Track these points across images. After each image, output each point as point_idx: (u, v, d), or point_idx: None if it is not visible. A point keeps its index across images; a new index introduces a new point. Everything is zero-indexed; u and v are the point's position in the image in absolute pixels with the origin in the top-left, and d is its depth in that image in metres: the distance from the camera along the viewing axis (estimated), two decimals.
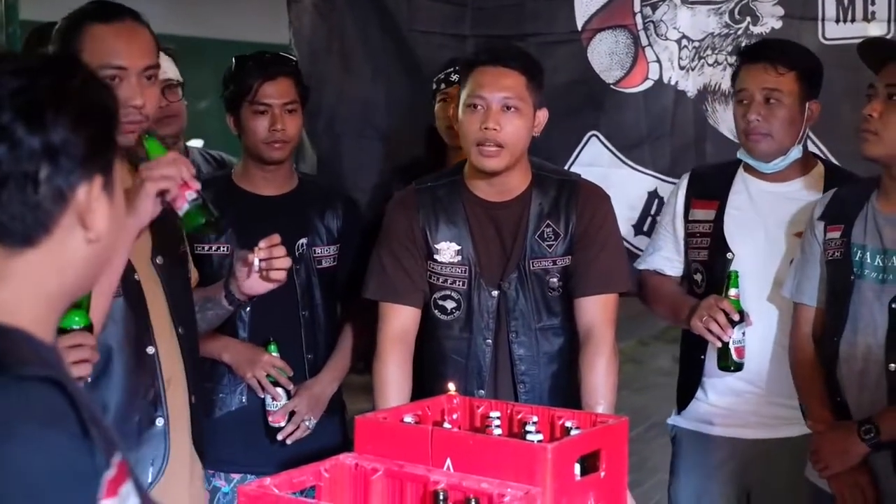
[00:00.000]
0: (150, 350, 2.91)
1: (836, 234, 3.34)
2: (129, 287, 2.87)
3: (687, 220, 3.75)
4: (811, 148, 4.09)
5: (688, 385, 3.77)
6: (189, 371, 3.04)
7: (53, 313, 1.50)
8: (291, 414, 3.63)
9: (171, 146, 4.15)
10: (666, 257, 3.80)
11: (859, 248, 3.28)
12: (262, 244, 3.08)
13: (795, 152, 3.60)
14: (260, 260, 3.07)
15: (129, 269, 2.86)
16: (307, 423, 3.64)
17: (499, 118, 3.28)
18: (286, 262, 3.10)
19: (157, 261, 2.98)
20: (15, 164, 1.41)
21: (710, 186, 3.75)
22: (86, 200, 1.46)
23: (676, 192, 3.82)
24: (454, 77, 4.09)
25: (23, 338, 1.42)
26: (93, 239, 1.48)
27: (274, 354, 3.60)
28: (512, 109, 3.30)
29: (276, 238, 3.10)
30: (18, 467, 1.27)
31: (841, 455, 3.24)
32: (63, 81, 1.46)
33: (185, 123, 4.25)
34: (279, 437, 3.63)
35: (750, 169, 3.68)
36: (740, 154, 3.67)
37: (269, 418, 3.62)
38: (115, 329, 2.84)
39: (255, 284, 3.13)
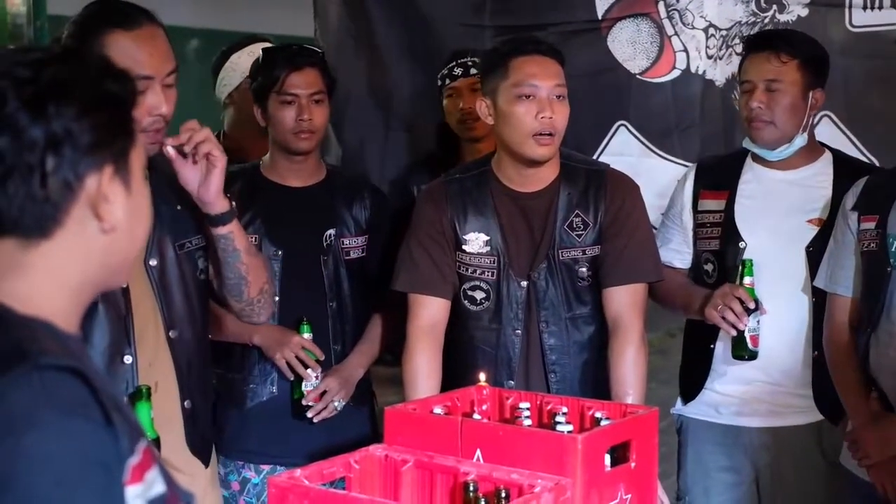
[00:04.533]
0: (128, 359, 2.86)
1: (871, 225, 3.33)
2: (109, 293, 2.79)
3: (696, 212, 3.74)
4: (839, 135, 4.07)
5: (695, 375, 3.76)
6: (183, 376, 2.99)
7: (77, 304, 1.51)
8: (322, 395, 3.62)
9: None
10: (675, 250, 3.78)
11: (894, 238, 3.26)
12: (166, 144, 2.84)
13: (800, 140, 3.60)
14: (173, 147, 2.81)
15: None
16: (335, 405, 3.63)
17: (553, 106, 3.30)
18: (204, 133, 2.82)
19: (151, 263, 2.92)
20: (19, 155, 1.41)
21: (719, 177, 3.75)
22: (96, 190, 1.46)
23: (683, 185, 3.81)
24: (457, 71, 4.09)
25: (44, 327, 1.43)
26: (108, 229, 1.48)
27: (306, 335, 3.59)
28: (561, 97, 3.33)
29: (191, 123, 2.84)
30: (43, 455, 1.28)
31: (882, 445, 3.25)
32: (68, 71, 1.46)
33: None
34: (309, 414, 3.61)
35: (758, 158, 3.68)
36: (745, 143, 3.67)
37: (304, 399, 3.60)
38: (92, 337, 2.79)
39: (199, 179, 2.86)
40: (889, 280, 3.26)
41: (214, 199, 2.91)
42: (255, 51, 4.11)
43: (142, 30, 2.80)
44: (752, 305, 3.43)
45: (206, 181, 2.87)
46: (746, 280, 3.46)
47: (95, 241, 1.48)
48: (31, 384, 1.31)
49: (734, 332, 3.46)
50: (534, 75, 3.32)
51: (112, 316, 2.83)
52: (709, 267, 3.70)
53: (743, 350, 3.47)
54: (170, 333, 2.96)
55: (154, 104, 2.76)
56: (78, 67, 1.48)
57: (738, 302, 3.43)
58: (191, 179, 2.87)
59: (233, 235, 2.99)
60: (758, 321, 3.45)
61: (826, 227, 3.55)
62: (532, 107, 3.30)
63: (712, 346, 3.66)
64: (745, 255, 3.55)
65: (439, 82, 4.18)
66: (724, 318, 3.45)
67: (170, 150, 2.82)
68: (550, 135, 3.31)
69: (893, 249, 3.26)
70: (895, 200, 3.30)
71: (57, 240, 1.45)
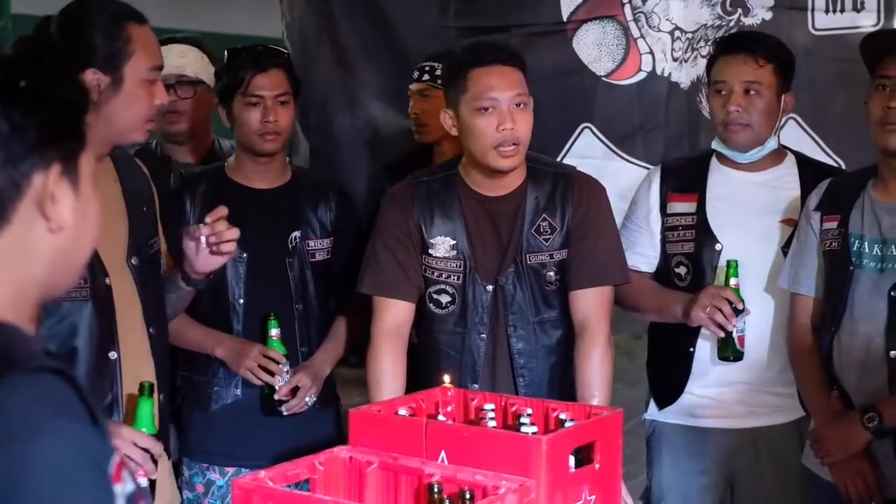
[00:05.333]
0: (113, 355, 2.93)
1: (833, 225, 3.35)
2: (98, 291, 2.90)
3: (665, 214, 3.73)
4: (805, 137, 4.10)
5: (672, 379, 3.75)
6: (159, 370, 3.07)
7: (24, 307, 1.49)
8: (295, 390, 3.61)
9: (184, 143, 4.21)
10: (640, 253, 3.76)
11: (857, 237, 3.29)
12: (207, 219, 3.06)
13: (772, 143, 3.63)
14: (206, 236, 3.04)
15: (101, 273, 2.89)
16: (307, 400, 3.62)
17: (514, 117, 3.27)
18: (234, 233, 3.06)
19: (133, 262, 3.00)
20: None
21: (687, 179, 3.74)
22: (42, 188, 1.45)
23: (649, 188, 3.79)
24: (415, 74, 4.13)
25: (16, 331, 1.43)
26: (55, 229, 1.47)
27: (273, 332, 3.58)
28: (522, 106, 3.30)
29: (222, 211, 3.06)
30: (46, 460, 1.28)
31: (844, 443, 3.25)
32: (17, 72, 1.47)
33: (206, 121, 4.29)
34: (283, 409, 3.60)
35: (724, 160, 3.69)
36: (715, 144, 3.68)
37: (276, 394, 3.59)
38: (82, 333, 2.87)
39: (206, 261, 3.09)
40: (851, 279, 3.28)
41: (205, 274, 3.15)
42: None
43: (148, 25, 2.95)
44: (740, 306, 3.44)
45: (210, 262, 3.09)
46: (732, 281, 3.46)
47: (43, 241, 1.47)
48: (25, 389, 1.31)
49: (722, 334, 3.47)
50: (492, 87, 3.29)
51: (100, 313, 2.89)
52: (681, 270, 3.70)
53: (730, 351, 3.48)
54: (150, 329, 3.04)
55: (163, 95, 2.96)
56: (27, 68, 1.48)
57: (726, 303, 3.43)
58: (192, 251, 3.08)
59: (193, 293, 3.27)
60: (744, 322, 3.47)
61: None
62: (492, 119, 3.27)
63: (691, 349, 3.66)
64: (723, 257, 3.57)
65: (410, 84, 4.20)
66: (712, 319, 3.45)
67: (202, 240, 3.03)
68: (514, 145, 3.29)
69: (855, 248, 3.29)
70: (856, 201, 3.33)
71: (4, 238, 1.45)
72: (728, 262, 3.50)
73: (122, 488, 1.38)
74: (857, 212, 3.32)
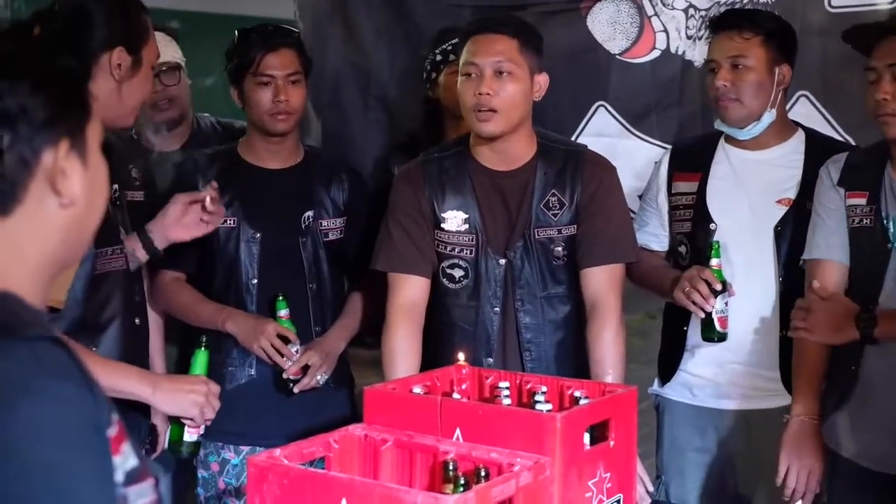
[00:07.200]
0: (138, 321, 3.02)
1: (861, 202, 3.29)
2: (126, 259, 3.00)
3: (670, 194, 3.75)
4: (816, 115, 4.07)
5: (671, 356, 3.77)
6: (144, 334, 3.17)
7: (40, 282, 1.49)
8: (305, 368, 3.62)
9: (172, 129, 4.23)
10: (651, 233, 3.78)
11: (892, 220, 3.24)
12: (214, 184, 3.28)
13: (768, 117, 3.59)
14: (210, 198, 3.22)
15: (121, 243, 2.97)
16: (318, 378, 3.63)
17: (492, 83, 3.29)
18: (223, 211, 3.38)
19: (121, 236, 3.06)
20: None
21: (693, 159, 3.75)
22: (53, 165, 1.45)
23: (659, 168, 3.82)
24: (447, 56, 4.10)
25: (17, 301, 1.43)
26: (66, 204, 1.47)
27: (282, 312, 3.58)
28: (505, 74, 3.31)
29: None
30: (41, 422, 1.27)
31: (832, 330, 3.19)
32: (16, 47, 1.46)
33: (188, 104, 4.31)
34: (295, 389, 3.61)
35: (730, 139, 3.68)
36: (717, 124, 3.68)
37: (285, 373, 3.60)
38: (117, 302, 2.93)
39: (186, 228, 3.27)
40: (889, 259, 3.20)
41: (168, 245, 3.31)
42: None
43: None
44: (718, 287, 3.41)
45: (187, 230, 3.33)
46: (713, 262, 3.44)
47: (56, 217, 1.47)
48: (20, 354, 1.31)
49: (702, 314, 3.45)
50: (474, 53, 3.34)
51: (129, 279, 3.01)
52: (682, 249, 3.71)
53: (711, 332, 3.46)
54: (136, 297, 3.12)
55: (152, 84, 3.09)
56: (26, 44, 1.48)
57: (704, 284, 3.41)
58: (176, 213, 3.30)
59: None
60: (725, 303, 3.44)
61: (795, 207, 3.55)
62: (472, 84, 3.32)
63: (685, 328, 3.66)
64: (716, 237, 3.55)
65: (439, 57, 4.15)
66: (691, 300, 3.44)
67: (208, 200, 3.30)
68: (492, 111, 3.30)
69: (893, 231, 3.22)
70: (882, 178, 3.27)
71: (17, 217, 1.44)
72: (710, 242, 3.49)
73: (122, 462, 1.38)
74: (888, 193, 3.27)
